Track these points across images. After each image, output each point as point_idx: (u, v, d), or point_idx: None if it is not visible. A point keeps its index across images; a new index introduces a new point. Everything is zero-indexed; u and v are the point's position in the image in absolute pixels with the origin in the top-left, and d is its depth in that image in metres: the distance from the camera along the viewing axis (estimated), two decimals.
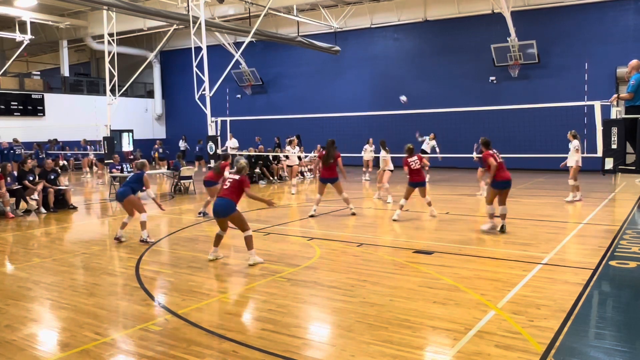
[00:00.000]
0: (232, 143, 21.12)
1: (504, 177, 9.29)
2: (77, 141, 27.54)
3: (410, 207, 12.71)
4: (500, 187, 9.31)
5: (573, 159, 13.01)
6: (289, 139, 18.44)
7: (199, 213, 11.90)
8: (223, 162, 11.42)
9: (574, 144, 13.07)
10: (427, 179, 13.14)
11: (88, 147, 25.71)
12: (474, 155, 14.75)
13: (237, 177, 7.57)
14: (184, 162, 16.72)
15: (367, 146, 19.37)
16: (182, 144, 28.34)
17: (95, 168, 24.63)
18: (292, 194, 15.98)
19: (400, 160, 11.58)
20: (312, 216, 11.48)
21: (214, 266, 7.68)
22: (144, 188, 9.30)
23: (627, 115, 7.90)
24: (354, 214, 11.68)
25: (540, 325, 4.90)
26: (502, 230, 9.31)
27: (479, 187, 14.81)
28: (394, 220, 10.81)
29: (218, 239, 7.78)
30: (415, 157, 11.02)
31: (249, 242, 7.50)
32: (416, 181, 10.90)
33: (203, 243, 9.10)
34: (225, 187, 7.53)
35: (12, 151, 22.53)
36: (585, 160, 13.29)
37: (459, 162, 21.02)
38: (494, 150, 9.67)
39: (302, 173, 21.02)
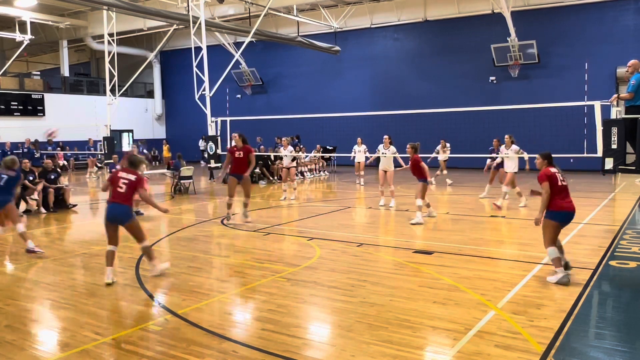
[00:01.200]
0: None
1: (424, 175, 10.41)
2: (77, 141, 27.56)
3: (411, 207, 12.71)
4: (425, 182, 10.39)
5: (512, 163, 12.49)
6: (283, 140, 16.31)
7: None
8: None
9: (514, 148, 12.52)
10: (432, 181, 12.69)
11: (92, 147, 25.66)
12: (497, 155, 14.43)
13: (132, 177, 6.65)
14: (184, 162, 16.71)
15: (356, 147, 17.99)
16: (202, 144, 26.40)
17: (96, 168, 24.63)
18: (282, 199, 14.32)
19: (403, 160, 11.57)
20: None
21: (214, 266, 7.68)
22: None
23: (627, 115, 7.91)
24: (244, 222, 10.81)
25: (540, 325, 4.90)
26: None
27: (483, 188, 14.69)
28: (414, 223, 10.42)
29: (111, 257, 6.63)
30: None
31: (149, 253, 6.77)
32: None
33: (203, 243, 9.10)
34: (119, 189, 6.55)
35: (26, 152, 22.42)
36: (585, 160, 13.28)
37: (459, 162, 21.01)
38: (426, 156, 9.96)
39: (302, 173, 21.02)
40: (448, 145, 17.47)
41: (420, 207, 10.46)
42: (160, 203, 6.80)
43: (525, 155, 12.75)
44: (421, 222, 10.39)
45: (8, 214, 8.15)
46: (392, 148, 12.95)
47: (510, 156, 12.60)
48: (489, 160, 14.60)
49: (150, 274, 6.82)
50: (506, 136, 12.89)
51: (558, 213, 6.22)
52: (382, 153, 13.03)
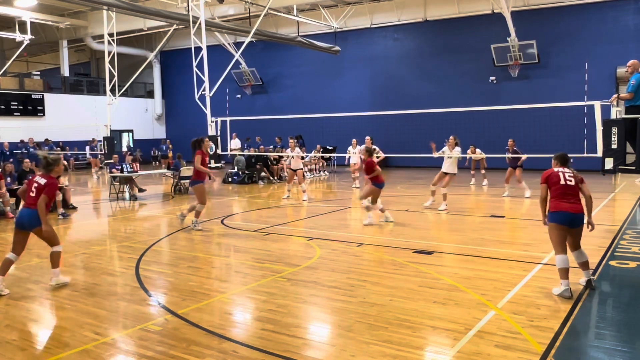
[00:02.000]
0: (234, 144, 21.11)
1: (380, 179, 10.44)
2: (77, 141, 27.57)
3: (411, 207, 12.71)
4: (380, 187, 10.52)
5: (454, 167, 12.42)
6: (290, 141, 15.77)
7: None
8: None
9: (458, 150, 12.37)
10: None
11: (96, 147, 25.65)
12: (507, 155, 14.47)
13: (42, 181, 6.15)
14: (184, 162, 16.71)
15: (350, 148, 17.55)
16: (234, 143, 23.73)
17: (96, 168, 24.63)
18: (284, 197, 14.58)
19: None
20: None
21: (214, 266, 7.68)
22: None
23: (627, 115, 7.91)
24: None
25: (540, 325, 4.90)
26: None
27: (504, 188, 14.67)
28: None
29: (7, 265, 6.23)
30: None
31: (56, 258, 6.34)
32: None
33: (203, 243, 9.10)
34: (31, 194, 6.16)
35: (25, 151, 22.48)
36: (585, 160, 13.26)
37: (459, 162, 20.96)
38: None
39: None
40: (478, 150, 16.97)
41: (368, 207, 10.49)
42: (47, 221, 6.13)
43: (472, 154, 12.83)
44: (374, 223, 10.39)
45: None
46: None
47: (454, 156, 12.41)
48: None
49: (50, 282, 6.42)
50: (451, 137, 12.54)
51: (552, 213, 5.88)
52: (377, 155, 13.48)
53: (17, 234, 6.27)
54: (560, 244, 5.80)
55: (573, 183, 5.95)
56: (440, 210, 11.95)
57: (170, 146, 27.91)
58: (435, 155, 12.67)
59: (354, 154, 17.43)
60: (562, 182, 5.92)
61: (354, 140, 17.98)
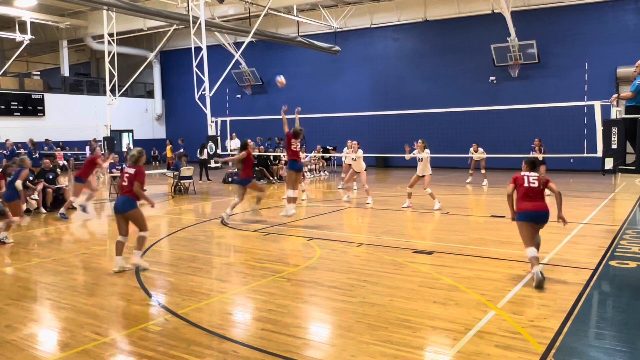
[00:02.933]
0: (233, 144, 21.11)
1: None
2: (77, 141, 27.56)
3: (411, 207, 12.70)
4: None
5: (428, 168, 12.46)
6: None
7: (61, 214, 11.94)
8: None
9: (427, 152, 12.47)
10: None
11: (97, 147, 25.65)
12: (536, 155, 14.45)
13: (132, 170, 7.10)
14: (184, 162, 16.71)
15: (346, 149, 16.55)
16: (234, 144, 23.06)
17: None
18: (284, 197, 14.91)
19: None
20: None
21: (214, 266, 7.68)
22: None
23: (627, 115, 7.91)
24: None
25: (540, 325, 4.90)
26: None
27: (482, 188, 15.09)
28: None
29: (121, 246, 7.10)
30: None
31: (142, 241, 7.12)
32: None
33: (203, 243, 9.10)
34: (123, 183, 7.12)
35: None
36: (585, 160, 13.30)
37: (459, 162, 21.01)
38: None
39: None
40: (480, 149, 17.33)
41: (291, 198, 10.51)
42: (149, 199, 7.31)
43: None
44: (290, 214, 10.46)
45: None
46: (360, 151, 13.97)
47: (425, 157, 12.42)
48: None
49: (129, 261, 7.18)
50: (420, 140, 12.59)
51: (518, 214, 6.54)
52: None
53: (118, 218, 7.15)
54: (529, 238, 6.45)
55: (536, 185, 6.53)
56: (435, 209, 11.96)
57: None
58: (408, 157, 12.80)
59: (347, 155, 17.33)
60: (526, 184, 6.55)
61: (349, 142, 17.85)
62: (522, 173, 6.64)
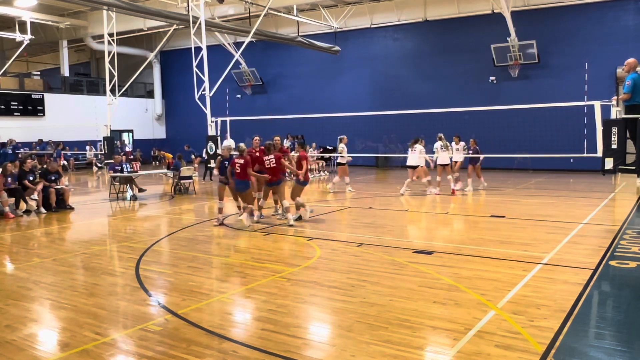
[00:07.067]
0: (225, 143, 21.06)
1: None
2: (77, 141, 27.56)
3: (411, 207, 12.71)
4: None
5: (418, 160, 14.58)
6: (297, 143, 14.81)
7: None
8: None
9: (419, 148, 14.69)
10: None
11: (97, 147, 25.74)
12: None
13: (241, 160, 9.99)
14: (184, 162, 16.71)
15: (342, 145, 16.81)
16: (287, 142, 20.89)
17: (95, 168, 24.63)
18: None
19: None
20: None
21: (214, 266, 7.68)
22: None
23: (627, 115, 7.91)
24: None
25: (540, 325, 4.90)
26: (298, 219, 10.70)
27: (467, 183, 15.70)
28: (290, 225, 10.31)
29: (238, 207, 10.75)
30: (272, 156, 10.68)
31: (250, 203, 10.25)
32: (270, 182, 10.73)
33: (203, 243, 9.10)
34: (237, 170, 10.04)
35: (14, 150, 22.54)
36: (585, 160, 13.30)
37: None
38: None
39: None
40: (454, 145, 15.87)
41: (288, 208, 10.67)
42: (259, 177, 10.35)
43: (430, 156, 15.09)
44: (292, 224, 10.39)
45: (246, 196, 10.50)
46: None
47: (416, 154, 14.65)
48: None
49: (238, 216, 10.27)
50: (412, 140, 14.85)
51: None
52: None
53: (234, 194, 10.66)
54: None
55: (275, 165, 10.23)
56: (433, 193, 14.01)
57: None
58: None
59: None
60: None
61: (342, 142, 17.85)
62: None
